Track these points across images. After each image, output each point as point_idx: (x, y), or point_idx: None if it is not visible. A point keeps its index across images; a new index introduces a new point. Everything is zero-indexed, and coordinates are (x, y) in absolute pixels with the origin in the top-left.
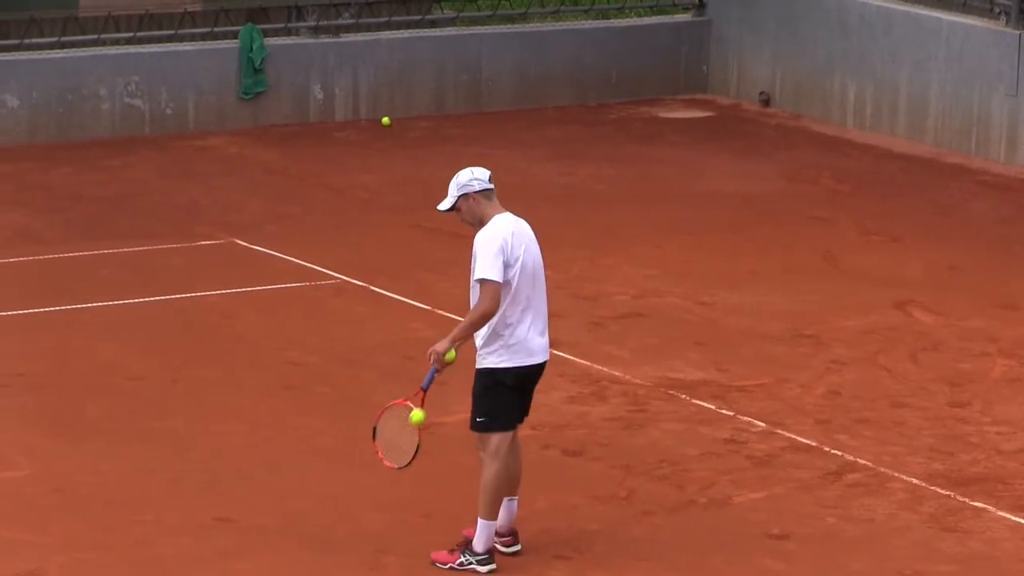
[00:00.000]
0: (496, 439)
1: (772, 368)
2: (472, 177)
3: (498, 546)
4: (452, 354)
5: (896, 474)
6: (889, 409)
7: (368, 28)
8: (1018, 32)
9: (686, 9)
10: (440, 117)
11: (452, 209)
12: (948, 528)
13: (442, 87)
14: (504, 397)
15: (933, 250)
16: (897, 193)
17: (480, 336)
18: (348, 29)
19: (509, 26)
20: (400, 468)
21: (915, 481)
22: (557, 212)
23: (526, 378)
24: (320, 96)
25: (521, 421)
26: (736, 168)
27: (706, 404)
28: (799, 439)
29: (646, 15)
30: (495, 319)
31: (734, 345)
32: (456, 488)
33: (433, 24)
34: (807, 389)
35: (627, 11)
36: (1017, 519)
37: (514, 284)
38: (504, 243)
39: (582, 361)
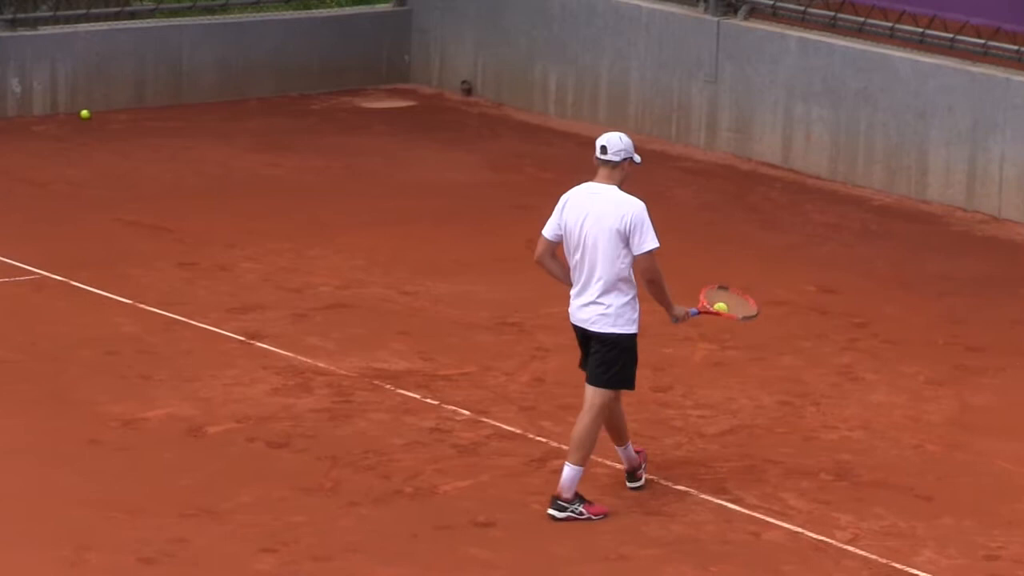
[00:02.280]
0: None
1: (477, 356)
2: (596, 142)
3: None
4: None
5: (600, 459)
6: None
7: (67, 20)
8: (717, 19)
9: None
10: (141, 110)
11: None
12: (652, 512)
13: (142, 79)
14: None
15: None
16: None
17: None
18: (46, 22)
19: (210, 17)
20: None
21: (619, 466)
22: (261, 204)
23: (578, 332)
24: (18, 90)
25: (590, 382)
26: (441, 158)
27: (411, 394)
28: (504, 427)
29: (347, 5)
30: None
31: (439, 334)
32: (160, 483)
33: (133, 16)
34: (512, 377)
35: (328, 1)
36: (720, 502)
37: (565, 247)
38: (560, 205)
39: (287, 353)
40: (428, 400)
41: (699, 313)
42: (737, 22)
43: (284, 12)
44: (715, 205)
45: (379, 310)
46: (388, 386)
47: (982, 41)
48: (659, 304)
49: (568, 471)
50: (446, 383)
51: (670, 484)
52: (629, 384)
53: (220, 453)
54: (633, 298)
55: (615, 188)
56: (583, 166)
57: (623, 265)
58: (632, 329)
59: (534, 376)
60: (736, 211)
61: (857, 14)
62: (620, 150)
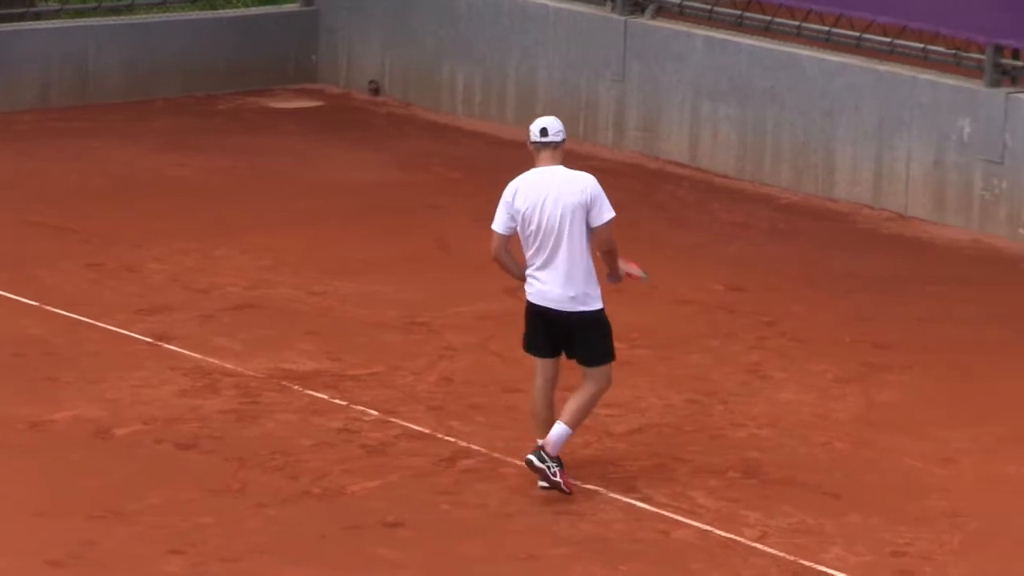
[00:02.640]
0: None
1: (385, 356)
2: (531, 127)
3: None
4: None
5: (509, 459)
6: (501, 395)
7: None
8: (624, 18)
9: None
10: (46, 110)
11: None
12: (561, 511)
13: (48, 80)
14: (530, 323)
15: None
16: (508, 180)
17: None
18: None
19: (116, 18)
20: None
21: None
22: (168, 204)
23: (545, 317)
24: None
25: (586, 364)
26: (349, 158)
27: (319, 394)
28: (412, 427)
29: (254, 5)
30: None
31: (347, 334)
32: (67, 485)
33: (38, 16)
34: (420, 377)
35: (235, 1)
36: (629, 500)
37: (527, 236)
38: (508, 196)
39: (194, 354)
40: (336, 400)
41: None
42: (644, 21)
43: (190, 12)
44: (623, 204)
45: (287, 310)
46: (296, 387)
47: (888, 40)
48: (612, 267)
49: (560, 429)
50: (354, 383)
51: (579, 483)
52: (613, 355)
53: (128, 455)
54: (593, 272)
55: (562, 167)
56: (492, 165)
57: (585, 240)
58: (601, 303)
59: (442, 376)
60: (644, 210)
61: (764, 13)
62: (559, 131)
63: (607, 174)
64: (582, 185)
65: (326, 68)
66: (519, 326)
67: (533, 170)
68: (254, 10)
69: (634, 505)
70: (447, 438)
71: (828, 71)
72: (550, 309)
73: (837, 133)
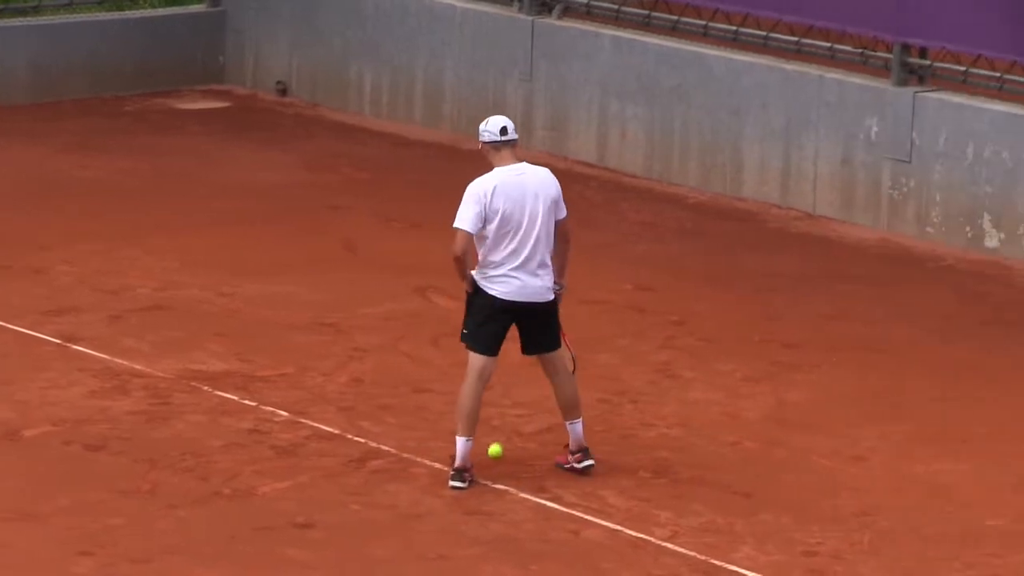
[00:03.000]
0: (473, 360)
1: (295, 357)
2: (484, 128)
3: (574, 464)
4: None
5: (419, 459)
6: (411, 395)
7: None
8: (531, 18)
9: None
10: None
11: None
12: (471, 511)
13: None
14: (479, 316)
15: (452, 236)
16: (416, 180)
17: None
18: None
19: (23, 19)
20: None
21: (438, 466)
22: (76, 205)
23: (516, 313)
24: None
25: (549, 349)
26: (256, 158)
27: (229, 395)
28: (323, 427)
29: (161, 6)
30: (481, 256)
31: (256, 335)
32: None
33: None
34: (330, 377)
35: (142, 2)
36: (539, 500)
37: (497, 234)
38: (483, 195)
39: (103, 355)
40: (246, 401)
41: None
42: (551, 21)
43: (97, 14)
44: None
45: (196, 312)
46: (206, 388)
47: (795, 39)
48: (566, 264)
49: (578, 427)
50: (264, 384)
51: (489, 483)
52: None
53: (37, 456)
54: None
55: (526, 163)
56: (399, 166)
57: (554, 232)
58: None
59: (352, 377)
60: None
61: (671, 12)
62: (514, 128)
63: None
64: (552, 180)
65: (233, 69)
66: (429, 326)
67: (501, 169)
68: (161, 11)
69: (544, 505)
70: (357, 439)
71: (735, 70)
72: (527, 303)
73: (745, 132)
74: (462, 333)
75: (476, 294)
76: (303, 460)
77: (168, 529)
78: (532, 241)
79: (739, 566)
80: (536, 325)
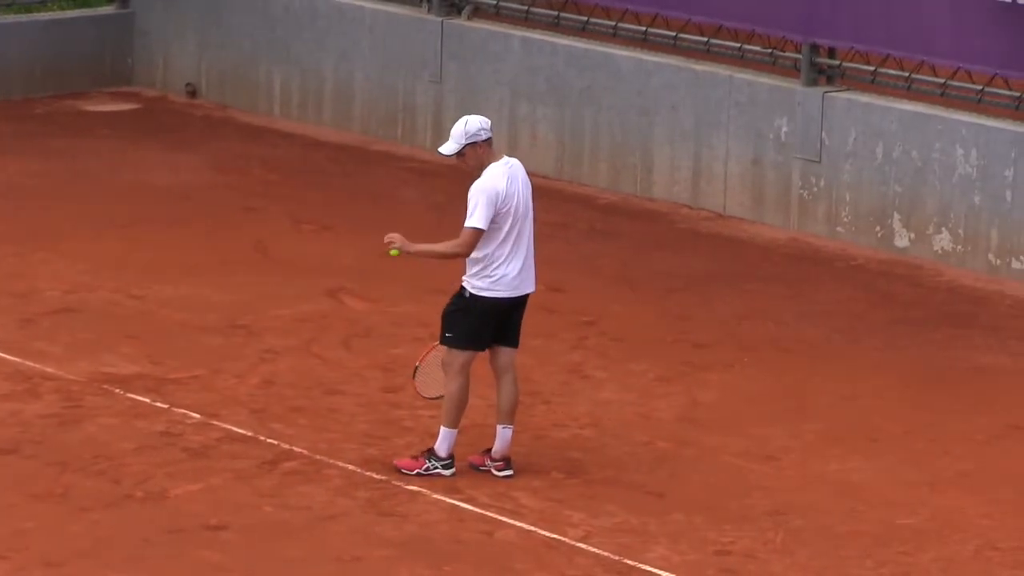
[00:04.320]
0: (460, 357)
1: (206, 359)
2: (480, 127)
3: (492, 470)
4: (396, 252)
5: (332, 461)
6: (323, 396)
7: None
8: (440, 19)
9: (109, 1)
10: None
11: (456, 155)
12: (385, 513)
13: None
14: (476, 321)
15: (364, 238)
16: (327, 182)
17: (470, 262)
18: None
19: None
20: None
21: (351, 467)
22: None
23: (502, 308)
24: None
25: (513, 345)
26: (166, 161)
27: (141, 398)
28: (235, 429)
29: (68, 8)
30: (482, 256)
31: (168, 337)
32: None
33: None
34: (241, 379)
35: (49, 4)
36: (452, 501)
37: (504, 228)
38: (498, 194)
39: (14, 358)
40: (158, 404)
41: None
42: (461, 22)
43: (5, 16)
44: (442, 206)
45: (107, 314)
46: (117, 390)
47: (705, 39)
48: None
49: (508, 433)
50: (175, 386)
51: (402, 484)
52: None
53: None
54: None
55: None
56: (309, 167)
57: None
58: None
59: (264, 378)
60: (462, 211)
61: (580, 13)
62: None
63: (426, 176)
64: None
65: (142, 71)
66: (340, 328)
67: (497, 165)
68: (69, 13)
69: (457, 506)
70: (269, 440)
71: (645, 71)
72: (523, 296)
73: (654, 133)
74: (445, 336)
75: (474, 301)
76: (215, 462)
77: (81, 533)
78: (527, 231)
79: (653, 566)
80: (517, 317)
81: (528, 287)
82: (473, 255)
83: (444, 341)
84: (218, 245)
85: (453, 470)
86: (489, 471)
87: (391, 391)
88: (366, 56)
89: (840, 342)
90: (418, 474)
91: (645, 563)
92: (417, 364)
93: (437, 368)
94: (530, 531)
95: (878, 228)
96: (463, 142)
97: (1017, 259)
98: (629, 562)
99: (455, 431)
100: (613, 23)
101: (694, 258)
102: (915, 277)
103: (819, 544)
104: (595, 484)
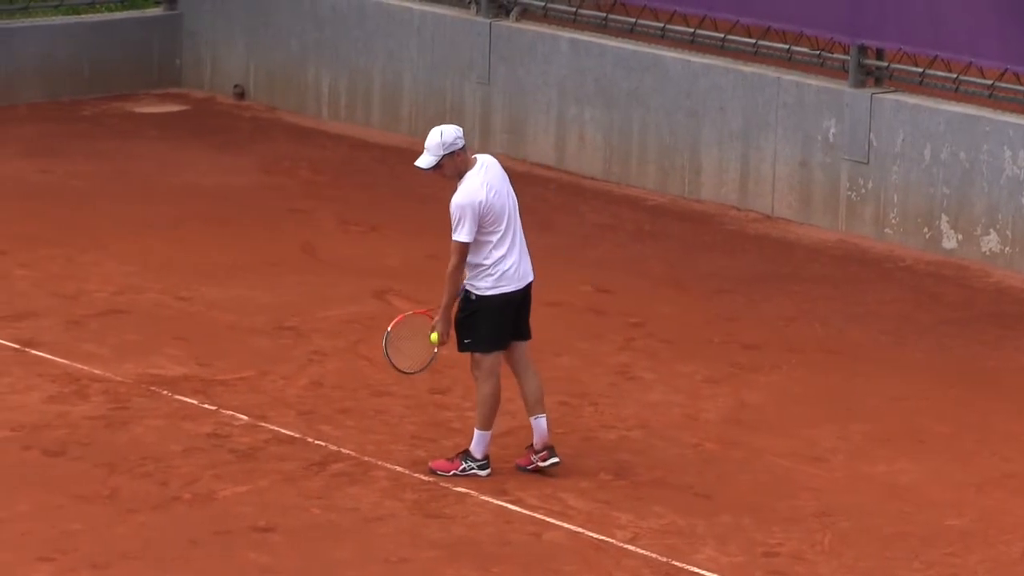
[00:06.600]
0: (486, 360)
1: (254, 361)
2: (456, 136)
3: (538, 463)
4: (435, 337)
5: (380, 462)
6: (371, 398)
7: None
8: (488, 20)
9: (157, 3)
10: None
11: (434, 167)
12: (432, 515)
13: None
14: (490, 321)
15: (412, 239)
16: (374, 183)
17: (469, 267)
18: None
19: None
20: (409, 373)
21: (399, 469)
22: (33, 210)
23: (513, 301)
24: None
25: (526, 338)
26: (214, 162)
27: (188, 399)
28: (282, 431)
29: (117, 10)
30: (479, 260)
31: (215, 339)
32: None
33: None
34: (289, 381)
35: (97, 6)
36: (500, 503)
37: (496, 231)
38: (480, 205)
39: (62, 360)
40: (205, 405)
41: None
42: (509, 23)
43: (53, 17)
44: None
45: (154, 316)
46: (165, 392)
47: (753, 41)
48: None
49: (543, 421)
50: (223, 388)
51: (450, 486)
52: None
53: None
54: None
55: (475, 155)
56: (357, 169)
57: None
58: None
59: (312, 380)
60: None
61: (628, 15)
62: None
63: None
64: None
65: (190, 72)
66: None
67: (473, 173)
68: (117, 15)
69: (505, 507)
70: (317, 442)
71: (693, 72)
72: (525, 285)
73: (702, 134)
74: (463, 343)
75: (483, 302)
76: (263, 464)
77: (127, 534)
78: (517, 228)
79: (700, 567)
80: (525, 308)
81: (530, 275)
82: (471, 260)
83: (463, 348)
84: (266, 246)
85: (489, 471)
86: (536, 467)
87: (439, 392)
88: (414, 57)
89: (887, 343)
90: (454, 475)
91: (693, 565)
92: (388, 329)
93: (406, 340)
94: (578, 533)
95: (926, 229)
96: (441, 153)
97: None
98: (677, 564)
99: (489, 433)
100: (661, 25)
101: (742, 260)
102: (963, 278)
103: (866, 545)
104: (643, 486)
